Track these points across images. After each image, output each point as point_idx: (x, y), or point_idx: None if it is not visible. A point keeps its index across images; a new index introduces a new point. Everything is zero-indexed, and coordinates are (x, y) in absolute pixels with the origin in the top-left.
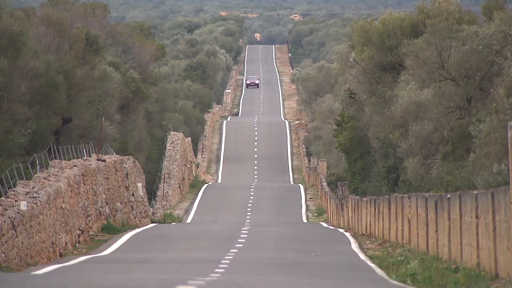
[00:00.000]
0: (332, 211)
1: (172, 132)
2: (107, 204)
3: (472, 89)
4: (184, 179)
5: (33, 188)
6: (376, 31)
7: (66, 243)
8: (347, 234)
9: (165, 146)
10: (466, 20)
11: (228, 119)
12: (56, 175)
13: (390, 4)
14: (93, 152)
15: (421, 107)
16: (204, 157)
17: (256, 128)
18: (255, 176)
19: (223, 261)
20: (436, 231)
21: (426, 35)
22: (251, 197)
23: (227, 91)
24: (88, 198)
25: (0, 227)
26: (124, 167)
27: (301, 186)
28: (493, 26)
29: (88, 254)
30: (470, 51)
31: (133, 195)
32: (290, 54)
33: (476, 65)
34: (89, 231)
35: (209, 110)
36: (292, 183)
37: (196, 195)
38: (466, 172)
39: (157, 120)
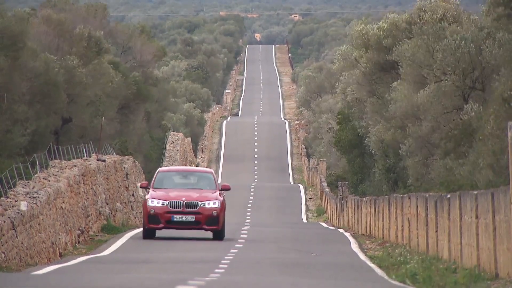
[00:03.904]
0: (332, 211)
1: (172, 132)
2: (107, 204)
3: (468, 88)
4: None
5: (33, 188)
6: (373, 32)
7: (66, 243)
8: (347, 234)
9: (165, 146)
10: (464, 22)
11: (228, 119)
12: (56, 175)
13: (390, 4)
14: (93, 152)
15: (419, 108)
16: (204, 157)
17: (256, 128)
18: (255, 176)
19: (223, 261)
20: (436, 231)
21: (415, 37)
22: (251, 197)
23: (227, 91)
24: (88, 198)
25: (0, 227)
26: (124, 167)
27: (301, 186)
28: (474, 26)
29: (88, 254)
30: (456, 49)
31: (133, 195)
32: (290, 54)
33: (467, 64)
34: (89, 231)
35: (209, 110)
36: (292, 183)
37: None
38: (467, 172)
39: (157, 120)
